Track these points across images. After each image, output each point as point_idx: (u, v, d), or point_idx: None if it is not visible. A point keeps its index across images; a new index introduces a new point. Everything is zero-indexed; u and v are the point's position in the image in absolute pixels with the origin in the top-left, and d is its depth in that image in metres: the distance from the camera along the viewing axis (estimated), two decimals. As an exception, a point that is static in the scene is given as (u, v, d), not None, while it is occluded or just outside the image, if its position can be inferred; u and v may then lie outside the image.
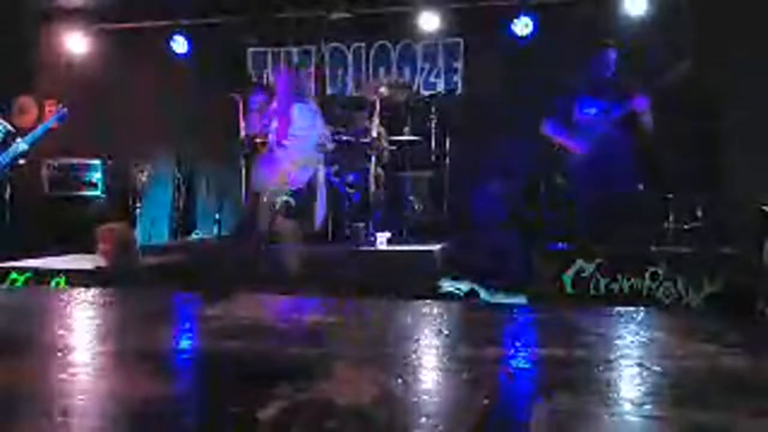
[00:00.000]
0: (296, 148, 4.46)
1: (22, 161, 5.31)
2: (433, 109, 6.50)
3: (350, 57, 7.28)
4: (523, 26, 6.48)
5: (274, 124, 4.50)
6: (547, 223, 5.64)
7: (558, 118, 4.69)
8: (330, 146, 4.80)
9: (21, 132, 5.26)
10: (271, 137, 4.51)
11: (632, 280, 3.92)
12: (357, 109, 6.37)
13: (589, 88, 4.68)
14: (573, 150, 4.62)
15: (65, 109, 5.27)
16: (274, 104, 4.55)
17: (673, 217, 5.19)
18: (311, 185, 4.49)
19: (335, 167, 5.85)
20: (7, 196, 5.38)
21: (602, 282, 3.96)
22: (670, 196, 5.26)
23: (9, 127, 5.16)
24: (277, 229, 4.45)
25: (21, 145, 5.09)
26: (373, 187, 5.64)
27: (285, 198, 4.40)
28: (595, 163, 4.52)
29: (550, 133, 4.71)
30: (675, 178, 5.42)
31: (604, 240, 4.34)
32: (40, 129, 5.23)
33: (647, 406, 0.92)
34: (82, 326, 1.64)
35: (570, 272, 4.00)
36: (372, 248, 5.23)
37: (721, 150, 5.81)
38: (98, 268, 4.09)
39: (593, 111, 4.60)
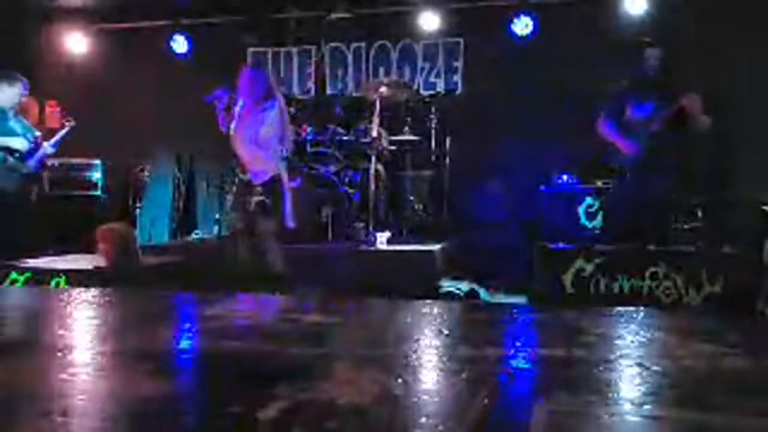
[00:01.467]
0: (254, 149, 4.44)
1: (50, 162, 5.51)
2: (433, 109, 6.50)
3: (350, 57, 7.28)
4: (523, 26, 6.49)
5: (233, 123, 4.50)
6: (548, 222, 5.65)
7: (613, 118, 4.62)
8: (284, 153, 4.74)
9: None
10: (234, 134, 4.52)
11: (632, 280, 3.92)
12: (357, 109, 6.38)
13: (637, 88, 4.63)
14: (624, 150, 4.56)
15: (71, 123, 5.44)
16: (238, 102, 4.54)
17: (673, 217, 5.19)
18: (275, 188, 4.47)
19: (335, 167, 5.86)
20: (33, 196, 5.48)
21: (602, 282, 3.96)
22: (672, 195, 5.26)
23: (36, 132, 5.25)
24: (256, 228, 4.44)
25: (48, 148, 5.20)
26: (373, 187, 5.64)
27: (258, 198, 4.39)
28: (643, 164, 4.49)
29: (607, 131, 4.64)
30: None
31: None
32: (63, 132, 5.36)
33: (647, 406, 0.92)
34: (82, 326, 1.64)
35: (570, 272, 4.00)
36: (372, 248, 5.24)
37: (721, 150, 5.81)
38: (98, 268, 4.08)
39: (647, 111, 4.54)
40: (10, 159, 4.92)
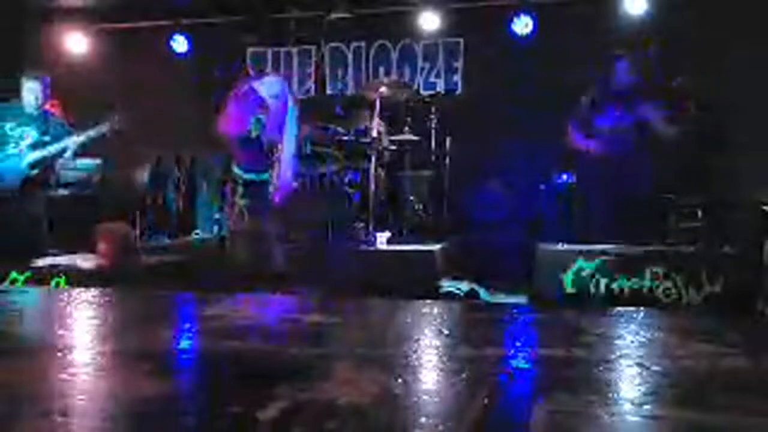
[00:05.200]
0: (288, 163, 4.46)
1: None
2: (433, 109, 6.49)
3: (350, 57, 7.28)
4: (523, 26, 6.49)
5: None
6: (548, 222, 5.65)
7: (579, 122, 4.80)
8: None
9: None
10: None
11: (632, 280, 3.91)
12: (357, 109, 6.37)
13: (605, 95, 4.77)
14: (589, 152, 4.70)
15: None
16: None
17: (674, 217, 5.19)
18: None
19: (335, 167, 5.85)
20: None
21: (602, 282, 3.95)
22: (671, 196, 5.26)
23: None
24: (259, 228, 4.44)
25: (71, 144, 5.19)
26: (373, 187, 5.63)
27: (245, 201, 4.38)
28: (607, 165, 4.62)
29: (573, 136, 4.81)
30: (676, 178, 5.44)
31: (609, 240, 4.36)
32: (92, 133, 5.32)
33: (647, 406, 0.92)
34: (82, 326, 1.64)
35: (570, 272, 4.00)
36: (372, 248, 5.23)
37: (721, 150, 5.81)
38: (98, 268, 4.08)
39: (610, 121, 4.70)
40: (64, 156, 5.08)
